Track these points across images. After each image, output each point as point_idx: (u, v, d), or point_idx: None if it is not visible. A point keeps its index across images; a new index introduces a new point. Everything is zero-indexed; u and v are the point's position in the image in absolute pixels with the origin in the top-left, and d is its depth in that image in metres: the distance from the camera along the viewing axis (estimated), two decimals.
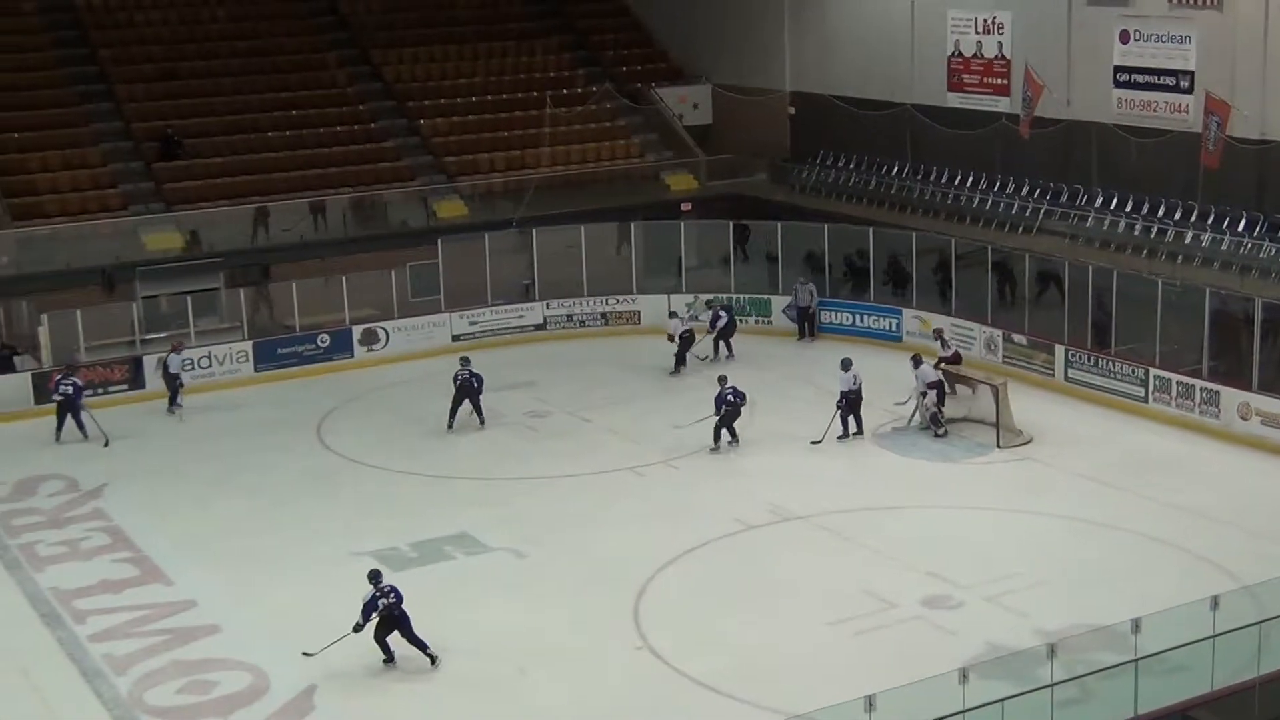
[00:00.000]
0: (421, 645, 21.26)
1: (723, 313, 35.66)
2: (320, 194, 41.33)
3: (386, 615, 21.09)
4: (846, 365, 30.12)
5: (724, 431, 29.58)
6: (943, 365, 31.30)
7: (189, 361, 34.54)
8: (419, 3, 49.63)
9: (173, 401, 32.96)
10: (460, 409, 31.32)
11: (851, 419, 30.04)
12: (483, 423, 31.44)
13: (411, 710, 20.50)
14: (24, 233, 38.14)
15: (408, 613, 21.11)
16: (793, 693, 20.14)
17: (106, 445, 31.05)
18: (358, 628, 20.95)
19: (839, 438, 29.92)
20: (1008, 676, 18.73)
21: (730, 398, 29.46)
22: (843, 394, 29.94)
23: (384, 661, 21.27)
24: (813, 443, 29.73)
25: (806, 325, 37.22)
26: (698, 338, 35.46)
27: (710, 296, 36.91)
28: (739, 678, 20.65)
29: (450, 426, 31.27)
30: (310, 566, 24.72)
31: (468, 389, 31.28)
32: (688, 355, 35.08)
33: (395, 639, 21.23)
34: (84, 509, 27.93)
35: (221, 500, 28.15)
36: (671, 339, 35.14)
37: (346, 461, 30.26)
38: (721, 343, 35.60)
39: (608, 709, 20.39)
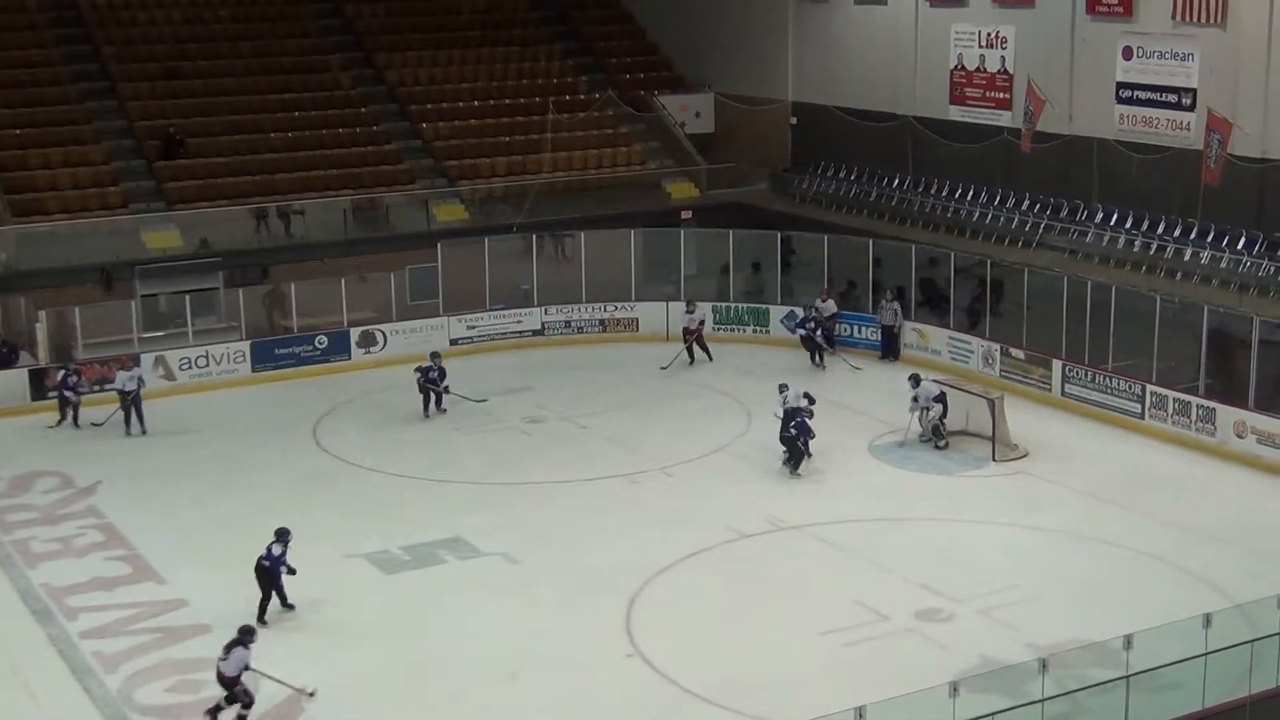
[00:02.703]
0: (281, 598, 23.09)
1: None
2: (321, 195, 41.34)
3: (258, 570, 22.90)
4: (782, 389, 29.97)
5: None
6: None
7: (186, 361, 34.63)
8: (423, 6, 49.69)
9: (133, 417, 31.87)
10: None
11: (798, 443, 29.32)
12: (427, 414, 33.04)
13: (402, 714, 20.45)
14: (23, 229, 38.09)
15: (280, 576, 22.95)
16: (782, 703, 20.19)
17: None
18: (291, 571, 23.07)
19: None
20: (999, 690, 18.73)
21: (793, 431, 28.62)
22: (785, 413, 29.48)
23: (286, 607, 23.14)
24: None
25: (889, 345, 36.37)
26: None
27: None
28: (729, 687, 20.64)
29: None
30: (303, 568, 24.60)
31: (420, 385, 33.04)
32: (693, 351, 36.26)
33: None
34: (78, 506, 27.93)
35: (215, 500, 28.14)
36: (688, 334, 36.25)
37: (342, 463, 30.25)
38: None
39: (598, 716, 20.35)
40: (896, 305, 36.24)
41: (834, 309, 36.81)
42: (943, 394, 30.33)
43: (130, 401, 31.78)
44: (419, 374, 32.76)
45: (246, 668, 20.03)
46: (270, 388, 35.18)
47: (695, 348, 36.30)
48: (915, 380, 30.67)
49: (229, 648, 20.06)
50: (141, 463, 30.23)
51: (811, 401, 29.51)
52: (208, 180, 41.10)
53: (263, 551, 22.96)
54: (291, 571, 23.01)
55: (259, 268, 39.17)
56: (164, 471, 29.68)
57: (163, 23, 46.21)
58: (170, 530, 26.64)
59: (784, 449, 28.93)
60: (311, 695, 20.42)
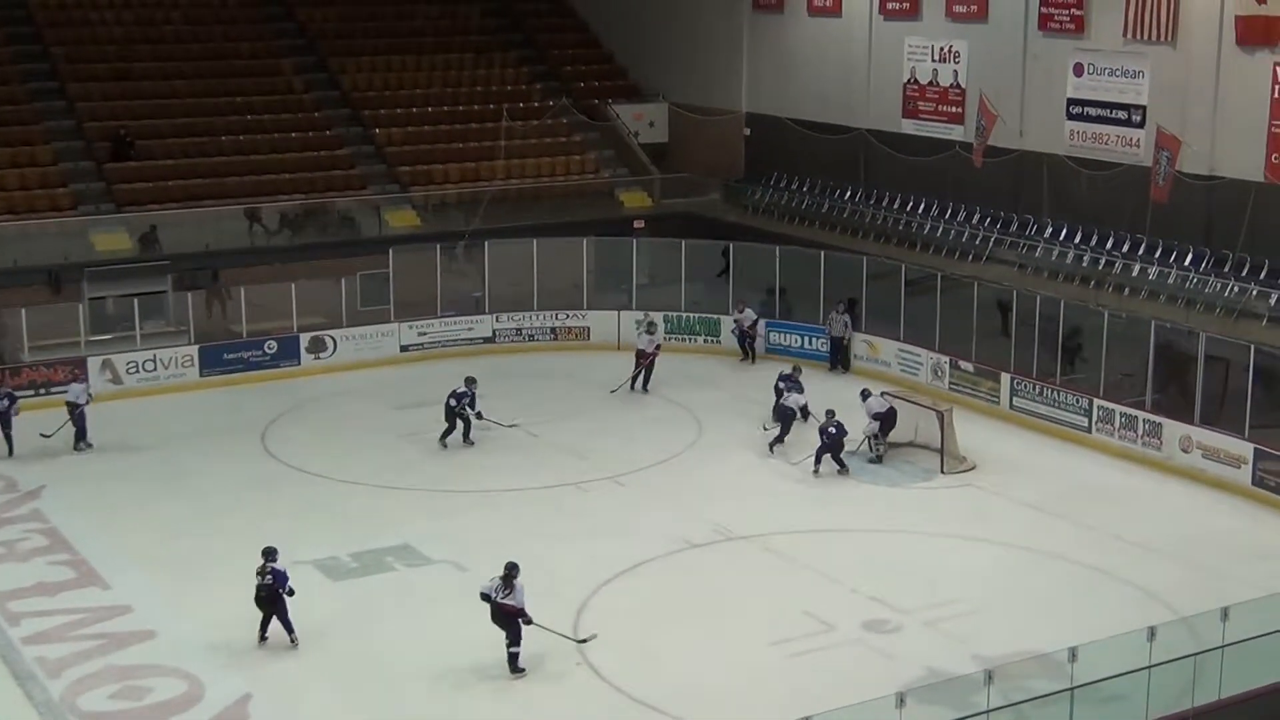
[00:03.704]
0: (287, 627, 22.01)
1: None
2: (273, 200, 41.13)
3: (265, 595, 21.82)
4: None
5: (825, 458, 29.44)
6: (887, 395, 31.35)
7: (133, 364, 34.35)
8: (378, 12, 49.59)
9: (81, 438, 30.93)
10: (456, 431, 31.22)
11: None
12: (464, 440, 31.24)
13: None
14: None
15: (284, 598, 21.88)
16: (730, 713, 20.25)
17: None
18: (291, 592, 22.02)
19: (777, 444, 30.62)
20: (945, 702, 18.79)
21: (832, 430, 29.21)
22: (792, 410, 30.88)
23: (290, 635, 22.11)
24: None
25: (837, 356, 36.40)
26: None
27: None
28: (677, 697, 20.64)
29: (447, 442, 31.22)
30: (249, 574, 24.40)
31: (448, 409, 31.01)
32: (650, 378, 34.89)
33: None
34: (22, 510, 27.66)
35: (162, 505, 27.93)
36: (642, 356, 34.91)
37: (290, 469, 30.09)
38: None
39: None
40: (847, 317, 36.30)
41: (753, 317, 36.91)
42: (891, 410, 30.31)
43: (80, 414, 31.03)
44: (452, 400, 30.82)
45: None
46: (218, 392, 34.94)
47: (644, 373, 34.90)
48: (864, 395, 30.73)
49: (506, 583, 21.15)
50: (87, 467, 29.98)
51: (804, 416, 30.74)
52: (158, 182, 40.85)
53: (262, 578, 21.84)
54: (291, 592, 22.02)
55: (209, 271, 38.90)
56: (109, 476, 29.45)
57: (113, 23, 45.93)
58: (115, 535, 26.41)
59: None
60: (584, 642, 21.61)
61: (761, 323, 37.22)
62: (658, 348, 35.17)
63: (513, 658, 21.24)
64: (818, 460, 29.35)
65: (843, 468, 29.39)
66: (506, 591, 21.23)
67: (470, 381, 31.16)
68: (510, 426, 31.54)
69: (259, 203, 40.83)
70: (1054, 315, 32.47)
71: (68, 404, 31.10)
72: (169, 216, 39.76)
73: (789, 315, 37.86)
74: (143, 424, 32.54)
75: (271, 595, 21.88)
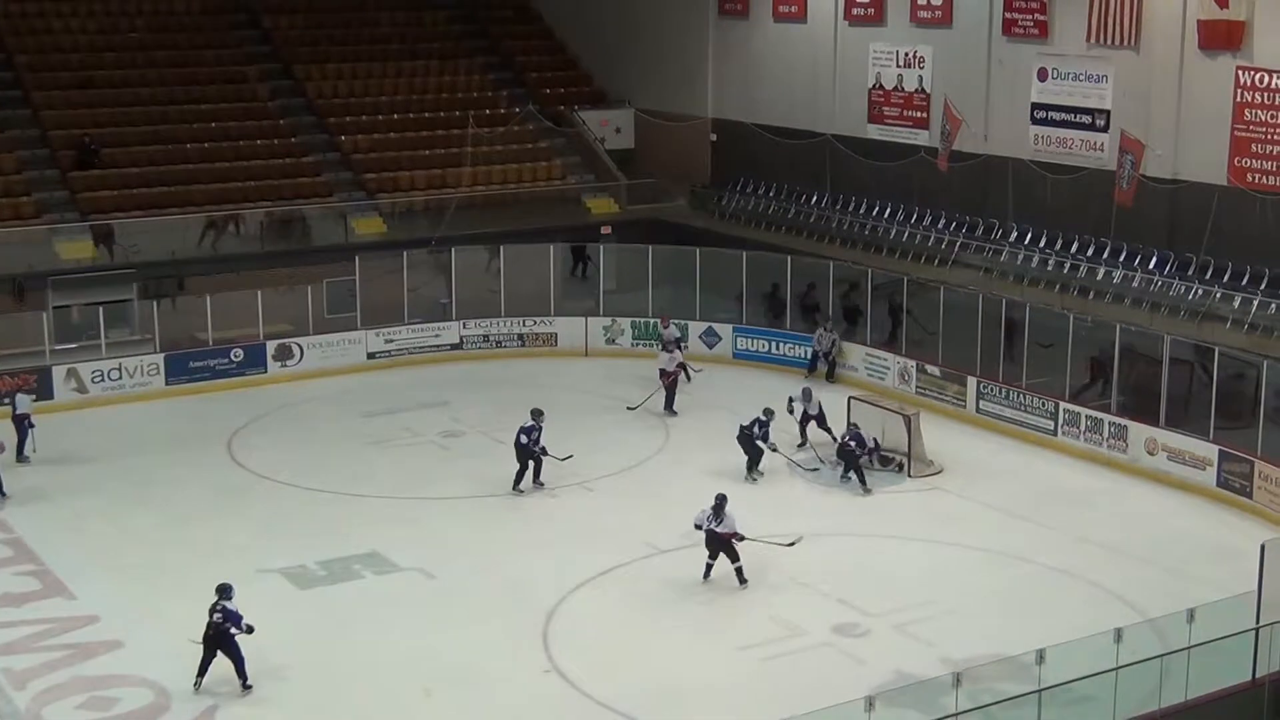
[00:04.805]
0: (239, 672, 20.92)
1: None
2: (238, 207, 40.98)
3: (213, 633, 20.87)
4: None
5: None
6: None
7: (99, 373, 34.17)
8: (343, 19, 49.47)
9: (21, 450, 30.08)
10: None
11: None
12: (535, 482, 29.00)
13: None
14: None
15: (235, 638, 20.82)
16: (699, 718, 20.21)
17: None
18: (250, 629, 20.94)
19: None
20: (914, 705, 18.87)
21: (851, 445, 29.00)
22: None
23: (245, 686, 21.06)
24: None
25: (822, 366, 35.84)
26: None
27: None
28: (647, 702, 20.64)
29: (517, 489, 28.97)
30: (216, 583, 24.40)
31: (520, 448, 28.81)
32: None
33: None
34: None
35: (128, 515, 27.79)
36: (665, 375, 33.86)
37: (257, 478, 29.97)
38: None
39: None
40: (835, 335, 35.88)
41: (676, 334, 35.72)
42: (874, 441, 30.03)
43: (29, 425, 30.45)
44: (523, 437, 28.51)
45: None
46: (184, 401, 34.76)
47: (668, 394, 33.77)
48: (856, 434, 30.02)
49: (717, 513, 23.81)
50: (51, 477, 29.75)
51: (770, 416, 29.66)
52: (123, 191, 40.63)
53: (212, 616, 20.83)
54: (250, 629, 20.90)
55: (175, 279, 38.75)
56: (74, 486, 29.26)
57: (78, 32, 45.71)
58: (80, 545, 26.27)
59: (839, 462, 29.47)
60: (792, 545, 24.26)
61: (678, 327, 36.28)
62: (679, 365, 34.29)
63: (737, 571, 23.96)
64: (847, 476, 29.23)
65: (861, 482, 28.92)
66: (718, 520, 23.69)
67: (537, 414, 28.78)
68: (565, 460, 29.15)
69: (224, 210, 40.66)
70: (1020, 319, 32.65)
71: (15, 417, 30.46)
72: (134, 224, 39.54)
73: (781, 317, 37.74)
74: (108, 433, 32.37)
75: (220, 634, 20.89)
